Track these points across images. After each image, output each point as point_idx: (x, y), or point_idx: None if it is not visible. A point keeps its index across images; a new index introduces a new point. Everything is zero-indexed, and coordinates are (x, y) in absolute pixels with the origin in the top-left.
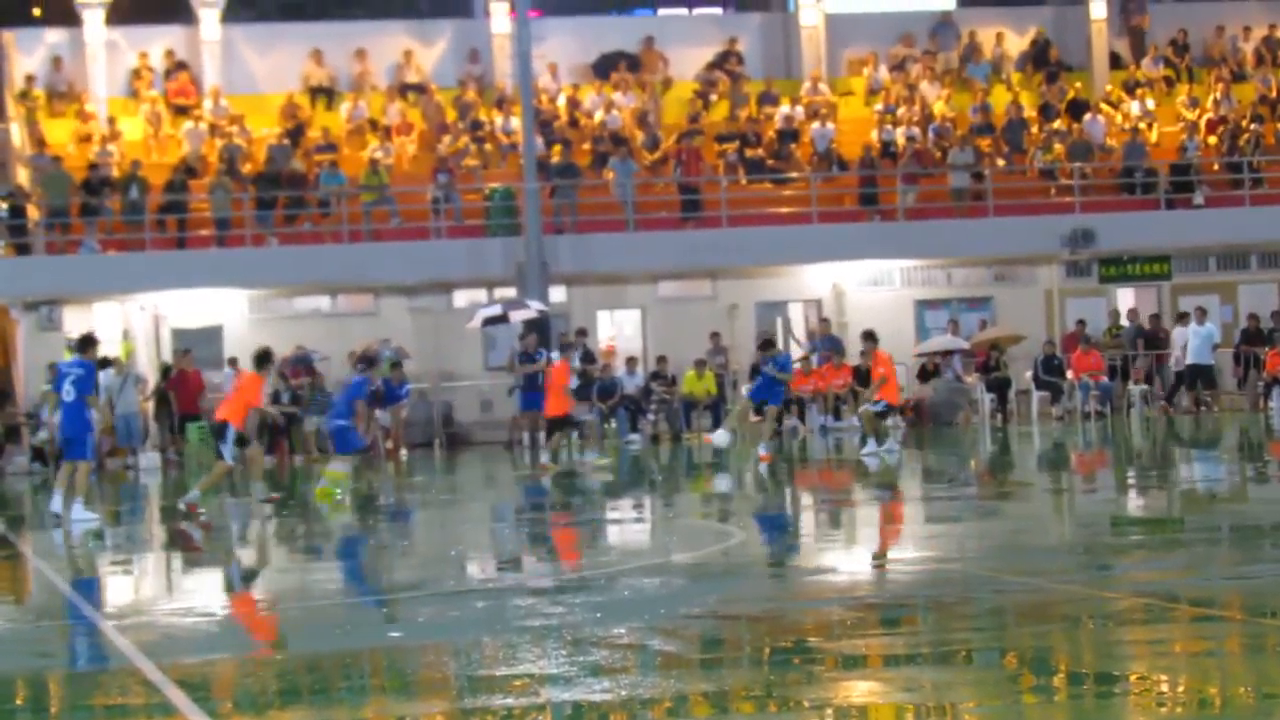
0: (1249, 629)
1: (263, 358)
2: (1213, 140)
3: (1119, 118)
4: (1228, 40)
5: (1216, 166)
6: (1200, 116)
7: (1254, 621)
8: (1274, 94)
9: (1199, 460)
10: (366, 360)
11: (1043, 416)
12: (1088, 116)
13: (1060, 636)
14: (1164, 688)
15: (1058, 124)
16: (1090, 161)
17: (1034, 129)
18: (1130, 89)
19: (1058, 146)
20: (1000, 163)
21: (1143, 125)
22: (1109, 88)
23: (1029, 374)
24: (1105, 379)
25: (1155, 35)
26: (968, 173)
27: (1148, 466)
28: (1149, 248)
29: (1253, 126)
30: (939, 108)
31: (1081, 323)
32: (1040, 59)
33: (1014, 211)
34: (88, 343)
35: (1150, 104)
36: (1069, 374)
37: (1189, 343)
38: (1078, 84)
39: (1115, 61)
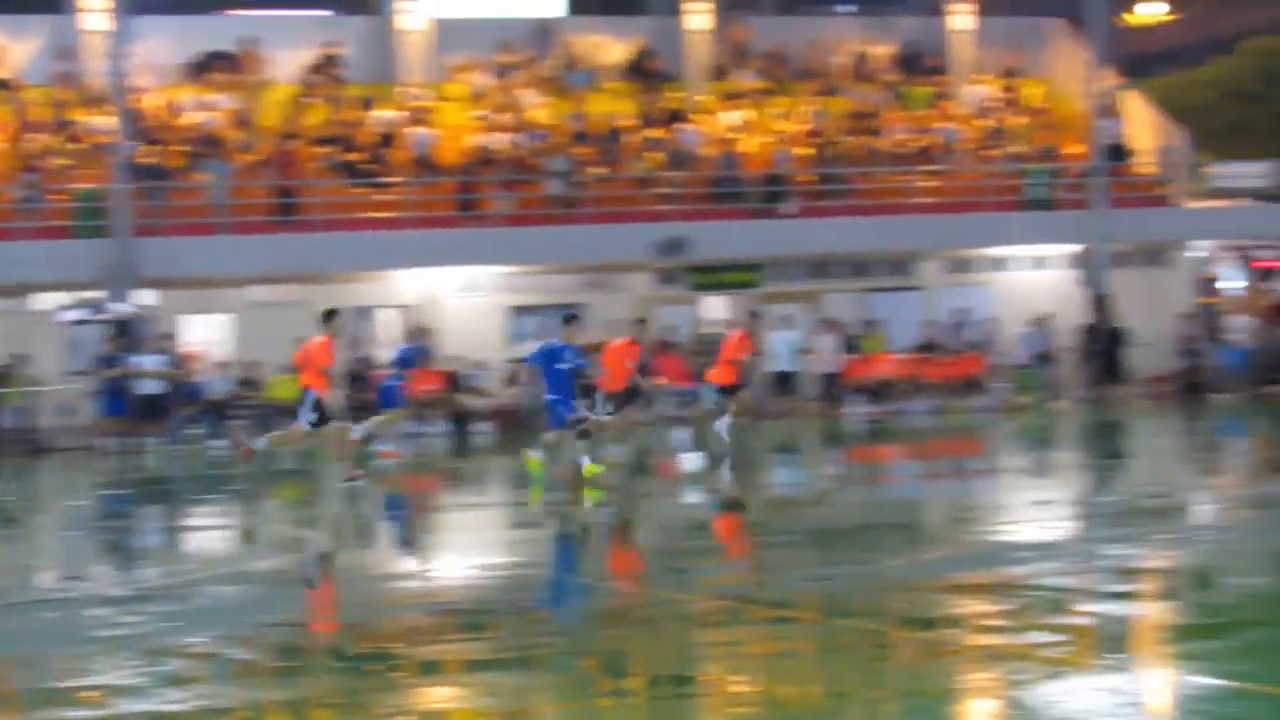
0: (822, 630)
1: (329, 315)
2: (806, 152)
3: (715, 128)
4: (823, 54)
5: (808, 178)
6: (794, 128)
7: (826, 622)
8: (866, 108)
9: (782, 465)
10: None
11: (630, 421)
12: (684, 126)
13: (640, 639)
14: (739, 688)
15: (655, 133)
16: (685, 170)
17: (631, 137)
18: (727, 100)
19: (654, 155)
20: (597, 170)
21: (738, 136)
22: (706, 98)
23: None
24: (691, 385)
25: (753, 48)
26: (564, 180)
27: (733, 471)
28: (740, 256)
29: (845, 139)
30: (538, 115)
31: (668, 329)
32: (639, 69)
33: (609, 219)
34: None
35: (746, 115)
36: (656, 380)
37: (776, 350)
38: (676, 94)
39: (713, 72)
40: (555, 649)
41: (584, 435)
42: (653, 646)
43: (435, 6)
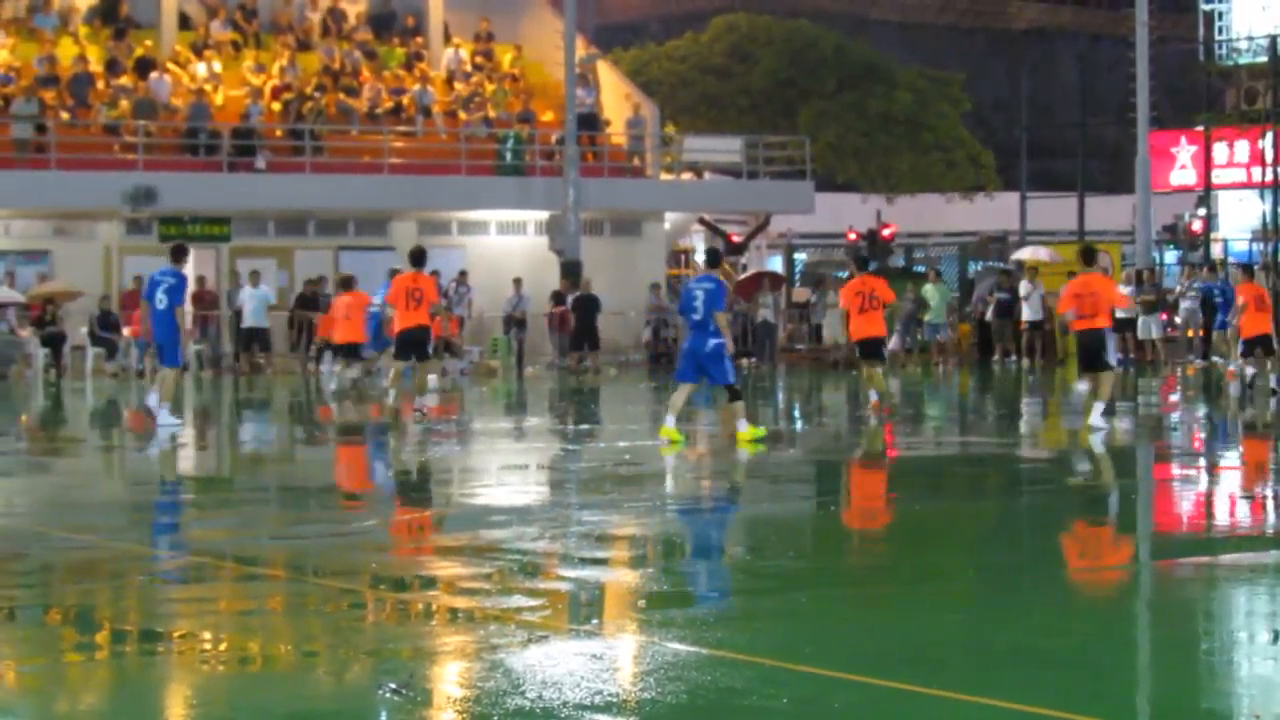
0: (293, 587)
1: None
2: (276, 106)
3: (186, 78)
4: (296, 9)
5: (279, 133)
6: (266, 83)
7: (299, 580)
8: (337, 64)
9: (253, 421)
10: None
11: (97, 372)
12: (154, 75)
13: (108, 593)
14: (209, 645)
15: (124, 80)
16: (155, 120)
17: (100, 84)
18: (198, 50)
19: (123, 103)
20: (65, 116)
21: (209, 87)
22: (177, 47)
23: (84, 329)
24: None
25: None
26: (31, 124)
27: (214, 424)
28: (210, 209)
29: (316, 95)
30: (3, 57)
31: (139, 279)
32: (110, 14)
33: (77, 166)
34: (180, 252)
35: (217, 67)
36: (125, 331)
37: (245, 305)
38: (147, 42)
39: (185, 22)
40: (22, 601)
41: None
42: (122, 600)
43: None
